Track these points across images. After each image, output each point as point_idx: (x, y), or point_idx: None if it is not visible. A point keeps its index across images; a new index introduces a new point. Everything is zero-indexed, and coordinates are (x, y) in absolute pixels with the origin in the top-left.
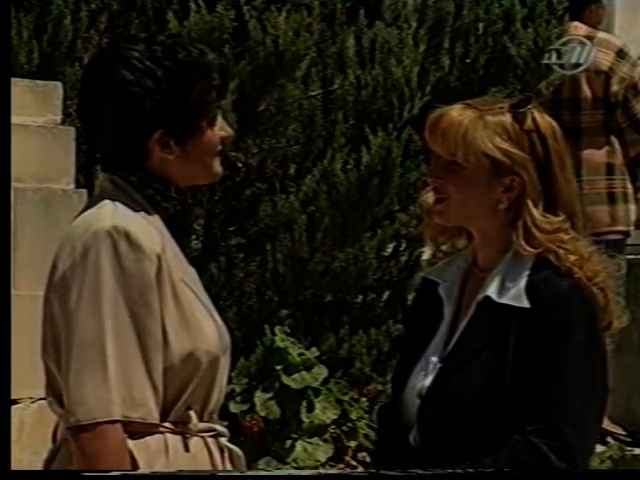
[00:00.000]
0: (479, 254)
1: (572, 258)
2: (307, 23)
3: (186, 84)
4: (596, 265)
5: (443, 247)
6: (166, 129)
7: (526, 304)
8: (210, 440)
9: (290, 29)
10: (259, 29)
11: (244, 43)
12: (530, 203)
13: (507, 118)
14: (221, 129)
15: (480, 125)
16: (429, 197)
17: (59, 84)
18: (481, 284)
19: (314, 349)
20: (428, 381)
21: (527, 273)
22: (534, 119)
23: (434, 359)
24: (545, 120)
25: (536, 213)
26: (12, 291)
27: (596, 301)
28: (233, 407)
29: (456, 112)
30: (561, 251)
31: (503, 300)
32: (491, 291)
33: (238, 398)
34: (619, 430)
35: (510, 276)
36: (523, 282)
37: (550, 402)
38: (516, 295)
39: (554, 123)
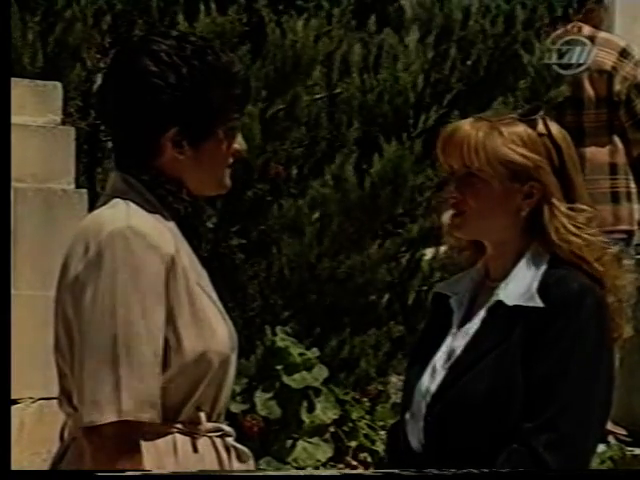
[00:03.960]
0: (491, 265)
1: (605, 252)
2: (327, 30)
3: (209, 87)
4: (618, 270)
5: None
6: (181, 127)
7: (539, 303)
8: (218, 440)
9: (310, 34)
10: (278, 33)
11: (258, 47)
12: (556, 202)
13: (520, 126)
14: (237, 142)
15: (495, 134)
16: (447, 215)
17: (59, 84)
18: (493, 293)
19: (315, 349)
20: (435, 385)
21: (540, 275)
22: (546, 125)
23: (439, 365)
24: (555, 126)
25: (564, 208)
26: (12, 291)
27: (607, 303)
28: (233, 407)
29: (469, 125)
30: (593, 244)
31: (514, 302)
32: (503, 296)
33: (238, 398)
34: (620, 430)
35: (523, 281)
36: (536, 283)
37: (553, 400)
38: (527, 296)
39: (563, 130)
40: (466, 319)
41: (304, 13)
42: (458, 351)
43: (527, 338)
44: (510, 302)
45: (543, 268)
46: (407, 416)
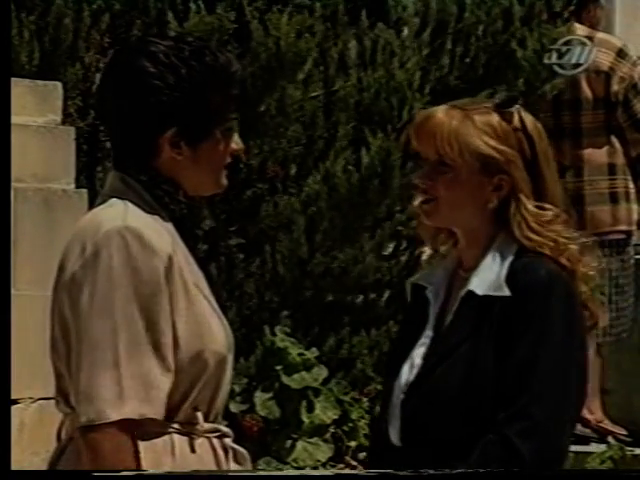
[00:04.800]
0: (464, 255)
1: (567, 247)
2: (309, 25)
3: (207, 88)
4: (588, 261)
5: (442, 249)
6: (179, 128)
7: (506, 292)
8: (215, 441)
9: (292, 30)
10: (261, 30)
11: (245, 44)
12: (523, 197)
13: (494, 117)
14: (234, 142)
15: (469, 124)
16: (417, 201)
17: (59, 84)
18: (465, 283)
19: (314, 349)
20: (411, 378)
21: (508, 263)
22: (521, 118)
23: (418, 358)
24: (530, 119)
25: (530, 206)
26: (12, 291)
27: (577, 290)
28: (233, 407)
29: (442, 113)
30: (556, 242)
31: (484, 292)
32: (473, 286)
33: (238, 398)
34: (620, 430)
35: (492, 270)
36: (504, 272)
37: (525, 388)
38: (496, 285)
39: (538, 123)
40: (443, 310)
41: (288, 6)
42: (434, 343)
43: (498, 327)
44: (480, 292)
45: (511, 257)
46: (389, 410)
